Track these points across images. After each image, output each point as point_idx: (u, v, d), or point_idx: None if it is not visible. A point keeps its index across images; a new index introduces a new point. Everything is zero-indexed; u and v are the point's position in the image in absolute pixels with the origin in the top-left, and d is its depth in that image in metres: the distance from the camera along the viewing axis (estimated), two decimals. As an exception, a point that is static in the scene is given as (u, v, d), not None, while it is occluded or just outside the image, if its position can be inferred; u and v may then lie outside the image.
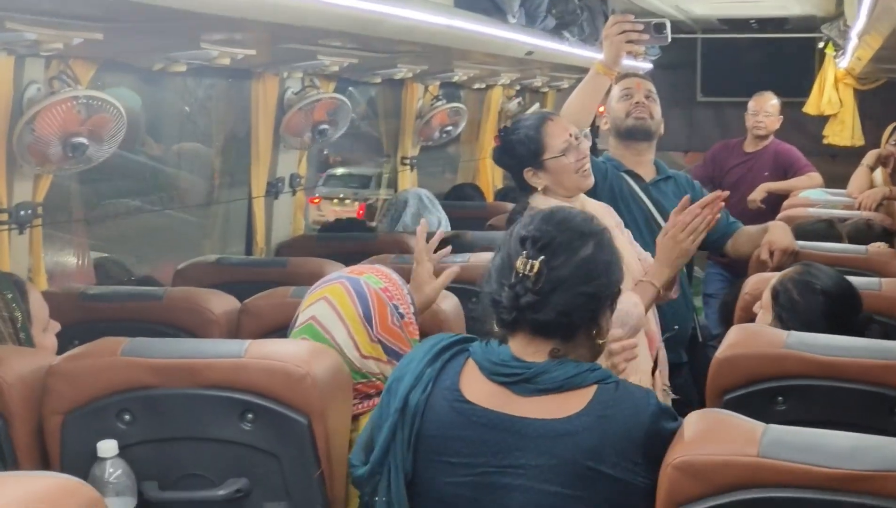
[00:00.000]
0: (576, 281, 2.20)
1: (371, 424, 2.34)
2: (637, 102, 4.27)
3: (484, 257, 4.07)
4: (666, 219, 3.95)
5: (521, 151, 3.53)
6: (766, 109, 6.67)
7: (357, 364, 2.68)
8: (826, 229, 4.52)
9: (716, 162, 6.77)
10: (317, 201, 11.56)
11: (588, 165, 3.53)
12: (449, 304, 3.36)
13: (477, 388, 2.21)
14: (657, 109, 4.32)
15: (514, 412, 2.16)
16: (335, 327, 2.69)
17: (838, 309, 3.05)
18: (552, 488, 2.12)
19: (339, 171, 12.86)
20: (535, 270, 2.18)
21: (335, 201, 12.21)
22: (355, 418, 2.68)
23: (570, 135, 3.49)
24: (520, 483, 2.13)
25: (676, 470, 2.05)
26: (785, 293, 3.12)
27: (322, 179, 11.81)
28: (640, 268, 3.51)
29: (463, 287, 3.64)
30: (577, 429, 2.12)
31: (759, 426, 2.09)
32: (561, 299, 2.19)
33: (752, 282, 3.55)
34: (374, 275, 2.77)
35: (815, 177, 6.71)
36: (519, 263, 2.20)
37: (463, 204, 6.65)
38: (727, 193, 3.43)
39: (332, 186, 12.82)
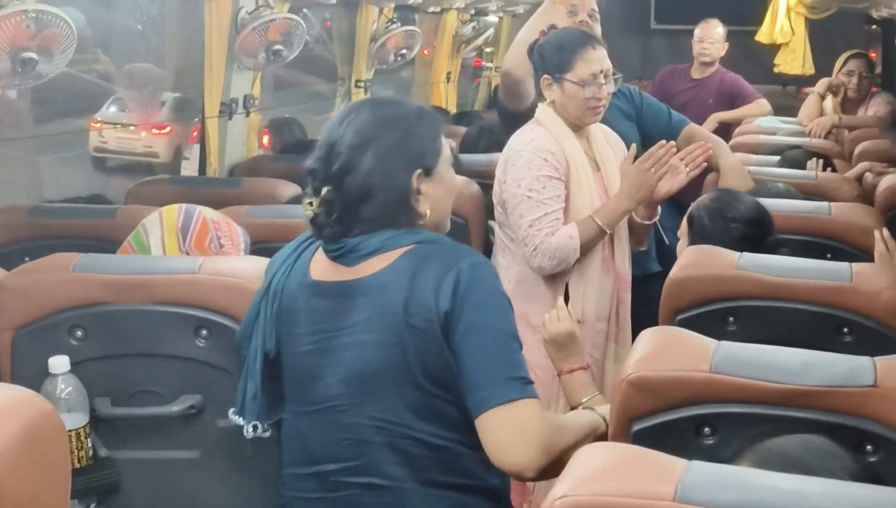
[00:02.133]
0: (369, 193, 2.22)
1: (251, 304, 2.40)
2: (580, 21, 4.26)
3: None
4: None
5: (548, 58, 3.54)
6: (711, 36, 6.67)
7: None
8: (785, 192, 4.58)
9: (664, 86, 6.77)
10: (98, 125, 8.92)
11: (600, 107, 3.52)
12: (474, 189, 3.83)
13: (320, 268, 2.30)
14: (597, 28, 4.31)
15: (341, 278, 2.26)
16: (154, 231, 2.83)
17: (749, 234, 3.11)
18: (374, 337, 2.19)
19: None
20: (322, 205, 2.23)
21: (118, 126, 9.52)
22: None
23: (601, 71, 3.49)
24: (351, 339, 2.22)
25: (630, 385, 2.06)
26: (698, 220, 3.20)
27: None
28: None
29: (484, 182, 4.07)
30: (388, 280, 2.20)
31: (711, 342, 2.12)
32: (362, 213, 2.23)
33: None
34: (215, 213, 2.91)
35: (764, 104, 6.74)
36: (306, 203, 2.26)
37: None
38: (672, 144, 3.46)
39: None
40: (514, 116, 4.18)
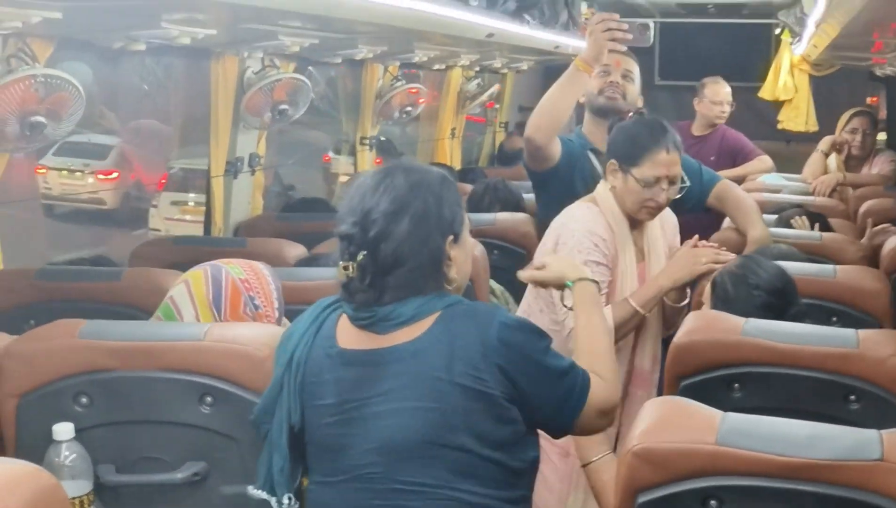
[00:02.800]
0: (403, 259, 2.26)
1: (273, 380, 2.40)
2: (612, 81, 4.26)
3: (510, 218, 4.67)
4: None
5: (621, 144, 3.50)
6: (727, 97, 6.67)
7: None
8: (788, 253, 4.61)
9: None
10: (43, 171, 8.56)
11: (656, 208, 3.48)
12: (479, 250, 3.71)
13: (348, 336, 2.33)
14: (633, 89, 4.31)
15: (371, 347, 2.29)
16: (185, 307, 2.76)
17: (773, 303, 3.07)
18: (411, 404, 2.23)
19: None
20: (357, 272, 2.26)
21: (64, 172, 8.95)
22: None
23: (666, 176, 3.43)
24: (382, 408, 2.25)
25: (636, 457, 2.06)
26: (721, 286, 3.15)
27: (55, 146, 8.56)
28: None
29: (488, 241, 4.20)
30: (425, 346, 2.24)
31: (717, 413, 2.11)
32: (394, 279, 2.27)
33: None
34: (240, 267, 2.83)
35: (766, 160, 6.74)
36: (341, 267, 2.29)
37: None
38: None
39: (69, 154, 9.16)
40: (539, 176, 4.20)
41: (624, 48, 4.12)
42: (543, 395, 2.29)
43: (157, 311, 2.81)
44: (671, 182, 3.44)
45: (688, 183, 3.51)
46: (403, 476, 2.24)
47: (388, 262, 2.25)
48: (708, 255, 3.40)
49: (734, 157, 6.67)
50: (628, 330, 3.43)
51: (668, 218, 3.74)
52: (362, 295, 2.28)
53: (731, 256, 3.40)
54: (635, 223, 3.54)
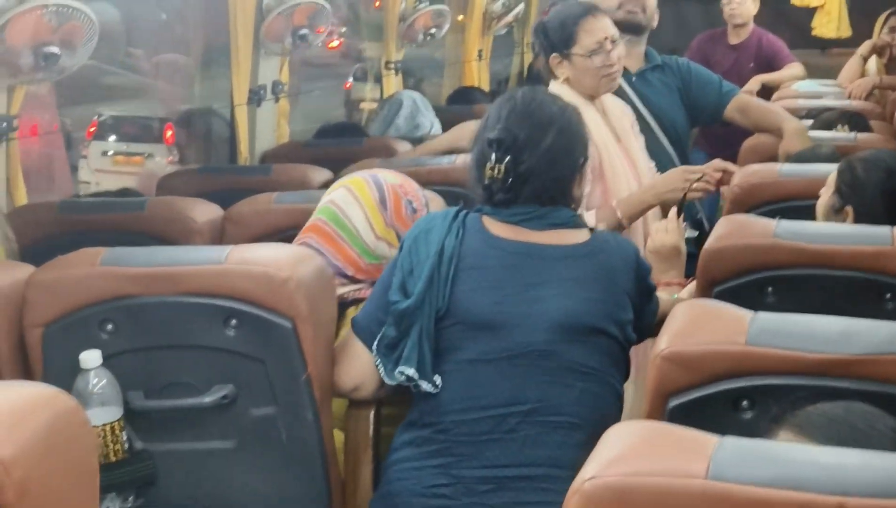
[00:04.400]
0: (541, 171, 2.52)
1: (399, 269, 2.54)
2: None
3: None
4: (650, 110, 3.93)
5: (553, 36, 3.54)
6: None
7: (371, 246, 2.80)
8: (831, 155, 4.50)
9: (702, 53, 6.63)
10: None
11: (614, 72, 3.53)
12: (436, 204, 3.31)
13: (499, 229, 2.54)
14: (651, 3, 4.24)
15: (535, 241, 2.52)
16: (353, 210, 2.83)
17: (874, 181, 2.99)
18: (583, 294, 2.48)
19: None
20: (503, 172, 2.50)
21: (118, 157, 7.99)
22: (350, 304, 2.77)
23: (606, 37, 3.49)
24: (554, 293, 2.47)
25: (665, 360, 2.02)
26: (850, 170, 3.01)
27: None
28: (645, 179, 3.54)
29: (449, 189, 3.64)
30: (592, 250, 2.53)
31: (747, 314, 2.07)
32: (531, 188, 2.52)
33: (743, 174, 3.49)
34: (390, 174, 2.95)
35: (797, 67, 6.64)
36: (488, 168, 2.52)
37: (454, 108, 6.56)
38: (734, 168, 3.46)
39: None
40: None
41: None
42: (647, 310, 2.67)
43: (318, 214, 2.87)
44: (613, 42, 3.49)
45: (627, 36, 3.68)
46: (571, 356, 2.45)
47: (530, 169, 2.50)
48: (700, 178, 3.36)
49: (770, 62, 6.58)
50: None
51: (618, 101, 3.74)
52: (501, 195, 2.51)
53: (733, 167, 3.41)
54: (596, 109, 3.55)
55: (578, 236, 2.55)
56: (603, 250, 2.54)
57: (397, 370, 2.49)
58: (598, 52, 3.46)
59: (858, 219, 2.96)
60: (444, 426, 2.47)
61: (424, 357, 2.47)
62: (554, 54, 3.53)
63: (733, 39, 6.60)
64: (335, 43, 7.35)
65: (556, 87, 3.52)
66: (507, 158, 2.49)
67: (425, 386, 2.47)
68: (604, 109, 3.61)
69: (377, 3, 7.31)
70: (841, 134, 4.39)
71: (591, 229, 2.61)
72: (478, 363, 2.46)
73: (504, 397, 2.43)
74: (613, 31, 3.52)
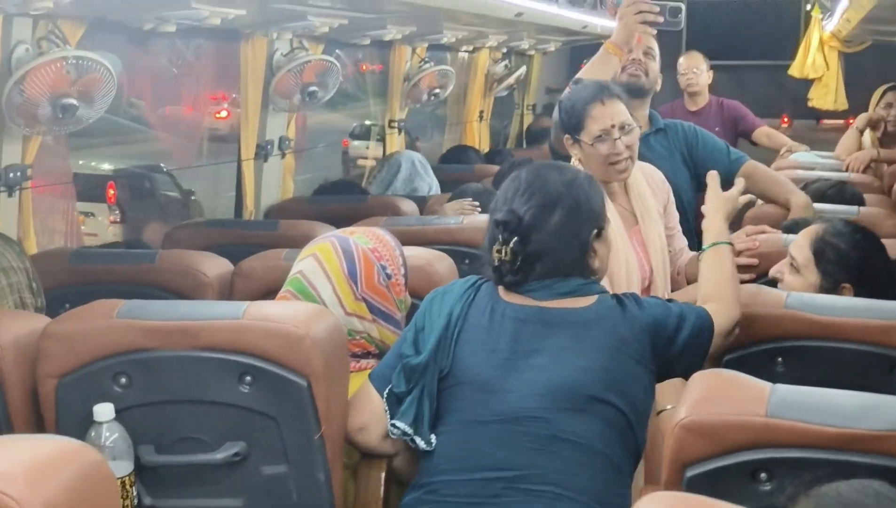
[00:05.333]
0: (550, 250, 2.52)
1: (414, 326, 2.60)
2: (634, 59, 4.21)
3: (477, 220, 4.06)
4: None
5: (564, 118, 3.48)
6: (694, 66, 6.63)
7: (341, 321, 2.70)
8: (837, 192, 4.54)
9: None
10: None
11: (622, 161, 3.39)
12: (443, 265, 3.33)
13: (511, 296, 2.55)
14: (654, 67, 4.26)
15: (540, 305, 2.52)
16: (321, 283, 2.76)
17: (872, 257, 2.99)
18: (580, 362, 2.45)
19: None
20: (510, 255, 2.50)
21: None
22: None
23: (613, 126, 3.38)
24: (551, 360, 2.45)
25: (684, 430, 2.03)
26: (833, 249, 2.97)
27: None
28: (656, 263, 3.51)
29: (456, 249, 3.66)
30: (595, 316, 2.51)
31: (766, 385, 2.08)
32: (540, 268, 2.53)
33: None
34: (364, 235, 2.84)
35: (770, 131, 6.78)
36: (495, 250, 2.52)
37: (452, 167, 6.60)
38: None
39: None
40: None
41: (654, 32, 4.06)
42: (686, 358, 2.57)
43: (286, 286, 2.81)
44: (621, 130, 3.38)
45: (639, 126, 3.51)
46: (562, 424, 2.42)
47: (538, 249, 2.50)
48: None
49: (736, 125, 6.65)
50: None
51: (653, 175, 3.69)
52: (510, 277, 2.52)
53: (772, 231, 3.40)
54: (616, 189, 3.51)
55: (584, 302, 2.54)
56: (607, 317, 2.51)
57: (391, 424, 2.52)
58: (604, 140, 3.37)
59: (858, 293, 2.95)
60: (435, 486, 2.47)
61: (422, 415, 2.49)
62: (566, 136, 3.48)
63: (692, 107, 6.67)
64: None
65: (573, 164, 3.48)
66: (514, 239, 2.50)
67: (420, 443, 2.49)
68: (626, 188, 3.54)
69: (363, 67, 7.37)
70: (843, 207, 4.42)
71: (602, 293, 2.58)
72: (473, 424, 2.46)
73: (493, 461, 2.43)
74: (622, 117, 3.41)
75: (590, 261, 2.58)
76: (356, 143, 7.51)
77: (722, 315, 2.65)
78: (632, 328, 2.50)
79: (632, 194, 3.56)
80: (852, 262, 2.97)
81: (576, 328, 2.49)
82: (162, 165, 4.95)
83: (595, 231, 2.58)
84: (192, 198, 4.82)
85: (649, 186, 3.61)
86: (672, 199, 3.73)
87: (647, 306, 2.56)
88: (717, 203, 3.02)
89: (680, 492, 1.88)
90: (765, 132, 6.79)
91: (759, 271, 3.37)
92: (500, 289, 2.56)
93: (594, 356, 2.46)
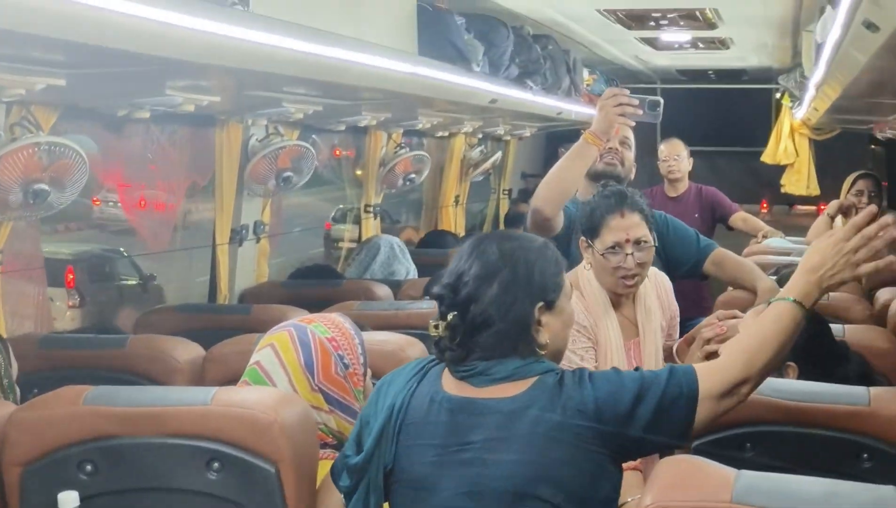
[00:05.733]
0: (489, 323, 2.36)
1: (360, 420, 2.49)
2: (610, 148, 4.26)
3: None
4: None
5: (584, 221, 3.47)
6: (676, 153, 6.71)
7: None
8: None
9: None
10: None
11: (632, 275, 3.40)
12: (415, 350, 3.34)
13: (451, 383, 2.40)
14: (629, 156, 4.32)
15: (474, 396, 2.36)
16: (277, 374, 2.71)
17: (829, 338, 3.07)
18: (507, 456, 2.30)
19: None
20: (447, 331, 2.37)
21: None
22: None
23: (627, 240, 3.38)
24: (478, 455, 2.31)
25: (650, 517, 2.03)
26: None
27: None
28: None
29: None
30: (525, 404, 2.32)
31: (731, 471, 2.08)
32: (482, 342, 2.37)
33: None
34: (323, 324, 2.80)
35: (746, 216, 6.86)
36: (432, 325, 2.40)
37: (430, 251, 6.63)
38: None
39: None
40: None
41: (633, 124, 4.10)
42: (653, 437, 2.35)
43: (244, 376, 2.76)
44: (636, 245, 3.38)
45: (656, 242, 3.46)
46: None
47: (477, 323, 2.36)
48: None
49: (714, 210, 6.72)
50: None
51: (662, 283, 3.68)
52: (451, 353, 2.38)
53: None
54: (623, 297, 3.49)
55: (518, 388, 2.35)
56: (538, 403, 2.32)
57: None
58: (616, 252, 3.37)
59: (803, 373, 3.01)
60: None
61: None
62: (582, 238, 3.49)
63: (671, 193, 6.74)
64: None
65: (582, 272, 3.48)
66: (453, 313, 2.37)
67: None
68: (634, 298, 3.52)
69: (336, 152, 7.42)
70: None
71: (546, 372, 2.38)
72: None
73: None
74: (639, 233, 3.39)
75: (535, 335, 2.39)
76: (337, 225, 7.54)
77: (717, 374, 2.39)
78: (567, 411, 2.30)
79: (638, 305, 3.53)
80: (798, 342, 3.02)
81: (504, 419, 2.32)
82: (122, 249, 4.91)
83: (541, 304, 2.40)
84: (154, 282, 4.80)
85: (658, 299, 3.59)
86: (677, 315, 3.71)
87: (595, 384, 2.34)
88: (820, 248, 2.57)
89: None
90: (741, 217, 6.88)
91: None
92: (445, 373, 2.42)
93: (521, 449, 2.30)
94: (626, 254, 3.38)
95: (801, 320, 2.46)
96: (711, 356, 3.17)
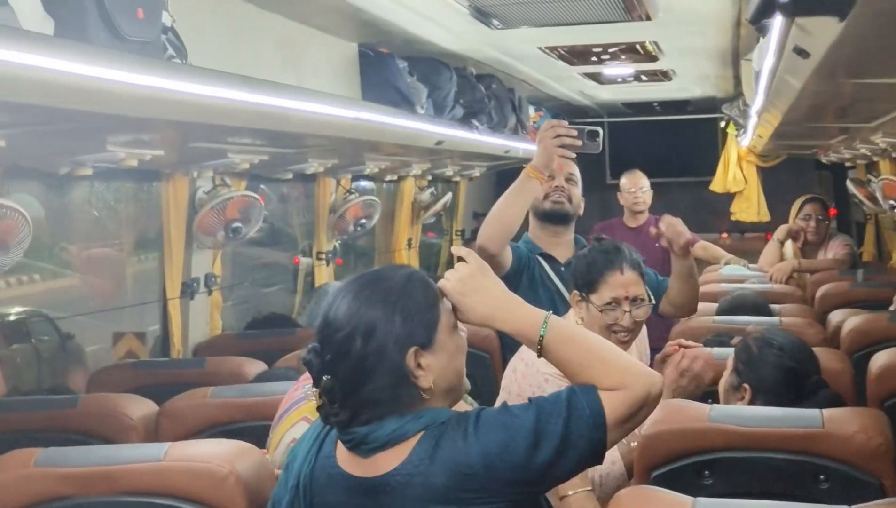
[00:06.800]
0: (364, 379, 2.18)
1: (272, 502, 2.36)
2: (557, 186, 4.26)
3: None
4: None
5: (579, 274, 3.43)
6: (640, 185, 6.76)
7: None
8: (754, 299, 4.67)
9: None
10: None
11: (625, 333, 3.35)
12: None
13: (344, 455, 2.25)
14: (576, 192, 4.32)
15: (360, 473, 2.21)
16: None
17: (795, 368, 3.08)
18: None
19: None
20: (324, 396, 2.20)
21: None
22: None
23: (626, 297, 3.34)
24: None
25: (608, 550, 2.03)
26: (745, 349, 3.15)
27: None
28: None
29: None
30: (408, 476, 2.15)
31: (687, 499, 2.09)
32: (364, 397, 2.18)
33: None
34: None
35: (707, 243, 6.92)
36: (313, 394, 2.24)
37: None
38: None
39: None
40: None
41: (573, 155, 4.09)
42: (555, 475, 2.18)
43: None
44: (633, 302, 3.35)
45: (653, 301, 3.44)
46: None
47: (350, 383, 2.18)
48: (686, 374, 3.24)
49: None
50: None
51: (643, 339, 3.69)
52: (335, 418, 2.21)
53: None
54: None
55: (395, 459, 2.19)
56: (420, 469, 2.16)
57: None
58: (613, 309, 3.33)
59: (755, 396, 3.05)
60: None
61: None
62: (575, 292, 3.43)
63: (632, 224, 6.77)
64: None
65: (570, 317, 3.42)
66: (325, 377, 2.20)
67: None
68: None
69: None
70: (766, 318, 4.50)
71: (431, 424, 2.20)
72: None
73: None
74: (637, 291, 3.36)
75: (415, 382, 2.20)
76: (305, 259, 7.47)
77: (611, 404, 2.18)
78: (453, 476, 2.14)
79: None
80: (754, 366, 3.07)
81: (393, 500, 2.18)
82: (43, 310, 4.82)
83: (413, 349, 2.19)
84: (72, 341, 4.72)
85: (638, 348, 3.58)
86: (648, 352, 3.73)
87: (483, 433, 2.17)
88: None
89: None
90: (701, 246, 6.91)
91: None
92: (338, 448, 2.27)
93: None
94: (625, 311, 3.33)
95: None
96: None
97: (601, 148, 3.99)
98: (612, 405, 2.16)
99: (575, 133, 3.87)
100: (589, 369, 2.22)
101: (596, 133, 3.95)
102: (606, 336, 3.31)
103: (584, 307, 3.39)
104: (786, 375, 2.99)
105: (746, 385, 3.05)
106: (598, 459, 2.20)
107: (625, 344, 3.35)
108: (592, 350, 2.25)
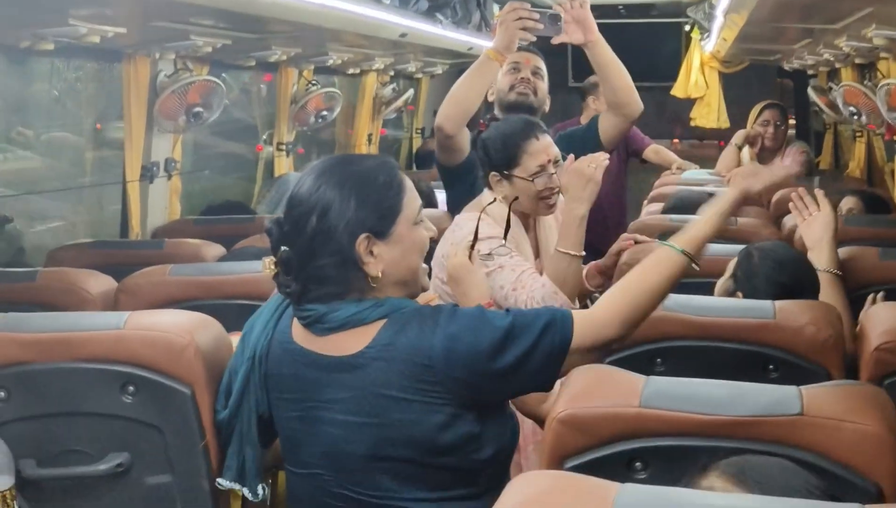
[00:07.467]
0: (310, 258, 2.25)
1: (228, 371, 2.44)
2: (522, 78, 4.26)
3: (428, 214, 4.13)
4: None
5: (493, 155, 3.43)
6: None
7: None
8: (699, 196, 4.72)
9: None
10: None
11: (553, 197, 3.42)
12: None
13: (301, 332, 2.31)
14: (543, 87, 4.32)
15: (318, 350, 2.27)
16: None
17: (784, 281, 3.07)
18: (354, 418, 2.23)
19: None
20: (280, 266, 2.27)
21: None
22: None
23: (549, 160, 3.39)
24: (329, 416, 2.26)
25: (561, 424, 2.07)
26: (746, 258, 3.15)
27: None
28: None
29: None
30: (368, 360, 2.21)
31: (640, 378, 2.14)
32: (312, 274, 2.25)
33: (633, 251, 3.58)
34: None
35: (659, 148, 6.97)
36: (266, 264, 2.30)
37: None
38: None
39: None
40: (451, 171, 4.17)
41: (534, 38, 4.09)
42: (504, 388, 2.27)
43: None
44: (556, 164, 3.40)
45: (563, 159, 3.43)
46: (350, 484, 2.26)
47: (304, 256, 2.24)
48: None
49: (627, 144, 6.79)
50: (574, 278, 3.27)
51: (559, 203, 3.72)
52: (287, 289, 2.28)
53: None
54: (530, 222, 3.52)
55: (357, 342, 2.24)
56: (384, 354, 2.20)
57: (217, 481, 2.45)
58: (541, 175, 3.37)
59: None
60: None
61: (246, 465, 2.41)
62: (493, 173, 3.44)
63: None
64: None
65: (486, 200, 3.32)
66: (283, 248, 2.27)
67: (248, 495, 2.41)
68: (536, 223, 3.57)
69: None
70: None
71: (396, 311, 2.25)
72: (293, 474, 2.38)
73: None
74: (556, 152, 3.43)
75: (364, 268, 2.24)
76: (267, 147, 7.43)
77: (594, 329, 2.28)
78: (411, 365, 2.19)
79: (540, 229, 3.57)
80: (751, 276, 3.08)
81: (349, 378, 2.22)
82: None
83: (364, 235, 2.24)
84: (9, 224, 4.66)
85: (556, 219, 3.57)
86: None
87: (455, 320, 2.22)
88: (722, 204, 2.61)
89: (556, 471, 1.91)
90: (654, 149, 6.97)
91: None
92: (294, 324, 2.33)
93: (369, 411, 2.22)
94: (551, 175, 3.39)
95: (685, 269, 2.42)
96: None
97: (562, 32, 4.01)
98: (583, 334, 2.24)
99: (537, 16, 3.89)
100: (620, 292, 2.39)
101: (557, 17, 3.98)
102: (536, 206, 3.43)
103: (508, 186, 3.41)
104: (776, 290, 2.99)
105: (740, 294, 3.07)
106: (547, 388, 2.31)
107: (553, 207, 3.46)
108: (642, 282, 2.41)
